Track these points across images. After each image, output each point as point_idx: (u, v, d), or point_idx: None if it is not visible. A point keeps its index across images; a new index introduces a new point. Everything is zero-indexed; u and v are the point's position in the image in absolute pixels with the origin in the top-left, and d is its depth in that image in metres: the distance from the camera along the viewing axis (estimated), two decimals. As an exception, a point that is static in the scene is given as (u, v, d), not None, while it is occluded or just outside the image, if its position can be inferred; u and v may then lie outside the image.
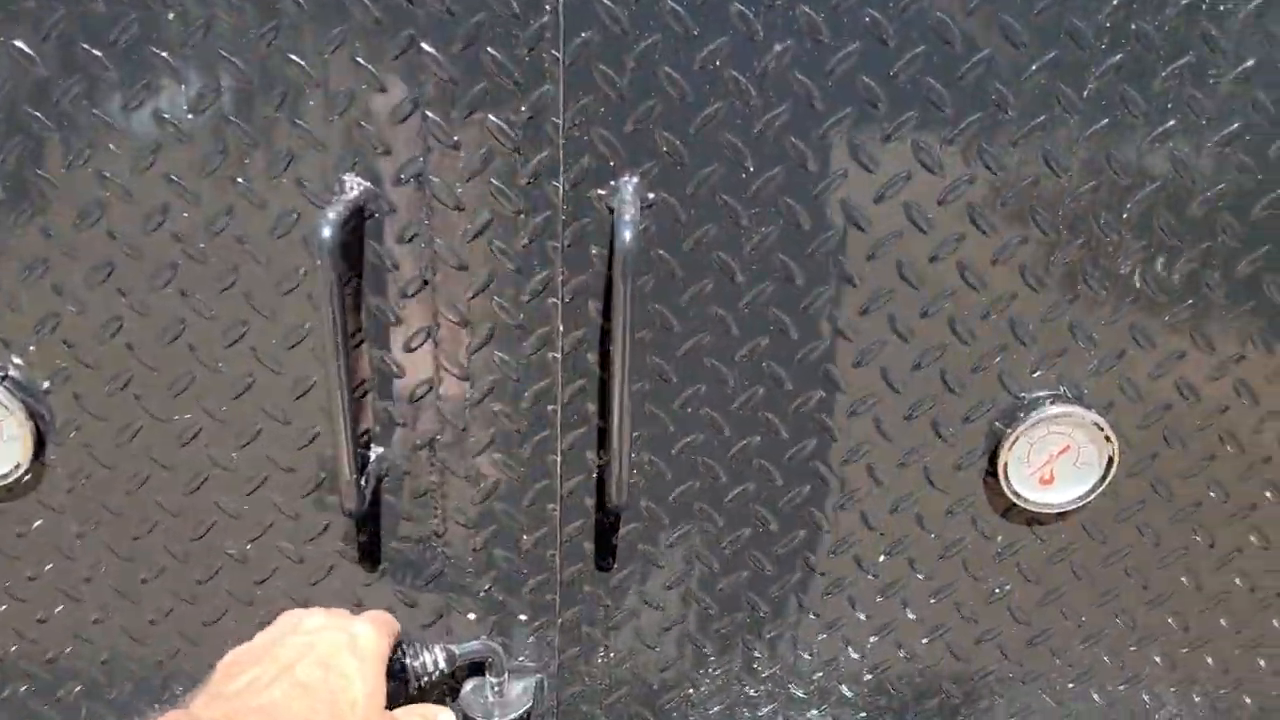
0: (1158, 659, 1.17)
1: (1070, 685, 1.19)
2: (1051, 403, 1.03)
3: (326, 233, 0.86)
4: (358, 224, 0.94)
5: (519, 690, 1.14)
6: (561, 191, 0.94)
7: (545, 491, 1.06)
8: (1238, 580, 1.13)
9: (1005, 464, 1.04)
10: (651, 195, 0.94)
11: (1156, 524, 1.10)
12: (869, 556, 1.11)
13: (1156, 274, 0.98)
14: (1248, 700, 1.20)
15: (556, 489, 1.06)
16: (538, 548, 1.09)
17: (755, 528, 1.09)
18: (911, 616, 1.14)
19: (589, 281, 0.98)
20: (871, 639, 1.16)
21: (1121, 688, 1.19)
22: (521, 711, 1.11)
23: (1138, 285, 0.99)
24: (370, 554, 1.10)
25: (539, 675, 1.15)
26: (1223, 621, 1.15)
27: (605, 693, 1.18)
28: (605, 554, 1.10)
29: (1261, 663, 1.18)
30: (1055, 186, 0.95)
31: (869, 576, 1.12)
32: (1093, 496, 1.06)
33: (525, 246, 0.96)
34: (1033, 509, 1.07)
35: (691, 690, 1.18)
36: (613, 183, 0.94)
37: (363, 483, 0.99)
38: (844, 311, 0.99)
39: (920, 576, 1.12)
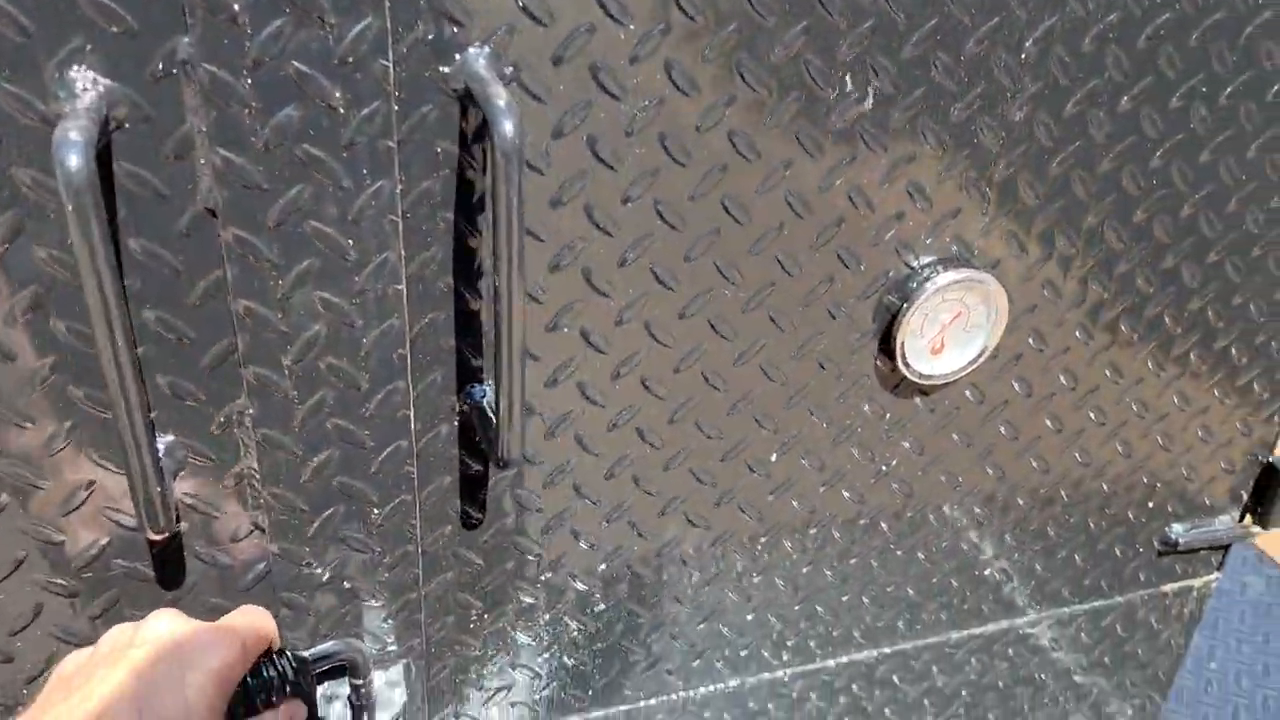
0: (1021, 502, 1.18)
1: (944, 544, 1.17)
2: (945, 269, 0.95)
3: (75, 160, 0.58)
4: (104, 141, 0.65)
5: (383, 684, 0.95)
6: (393, 73, 0.70)
7: (398, 454, 0.85)
8: (1091, 415, 1.14)
9: (901, 341, 0.96)
10: (510, 69, 0.73)
11: (1030, 375, 1.08)
12: (761, 456, 1.01)
13: (1046, 118, 0.91)
14: (1091, 524, 1.24)
15: (411, 448, 0.85)
16: (393, 518, 0.88)
17: (641, 450, 0.95)
18: (797, 506, 1.06)
19: (434, 188, 0.75)
20: (761, 540, 1.07)
21: (988, 541, 1.19)
22: (398, 710, 0.93)
23: (1031, 131, 0.91)
24: (171, 566, 0.85)
25: (405, 660, 0.97)
26: (1076, 455, 1.17)
27: (482, 660, 1.02)
28: (472, 511, 0.92)
29: (1104, 486, 1.22)
30: (957, 29, 0.83)
31: (761, 478, 1.02)
32: (981, 360, 1.01)
33: (347, 150, 0.71)
34: (923, 382, 1.00)
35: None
36: (458, 56, 0.71)
37: (163, 490, 0.73)
38: (738, 190, 0.84)
39: (809, 466, 1.04)
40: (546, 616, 1.02)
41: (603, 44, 0.74)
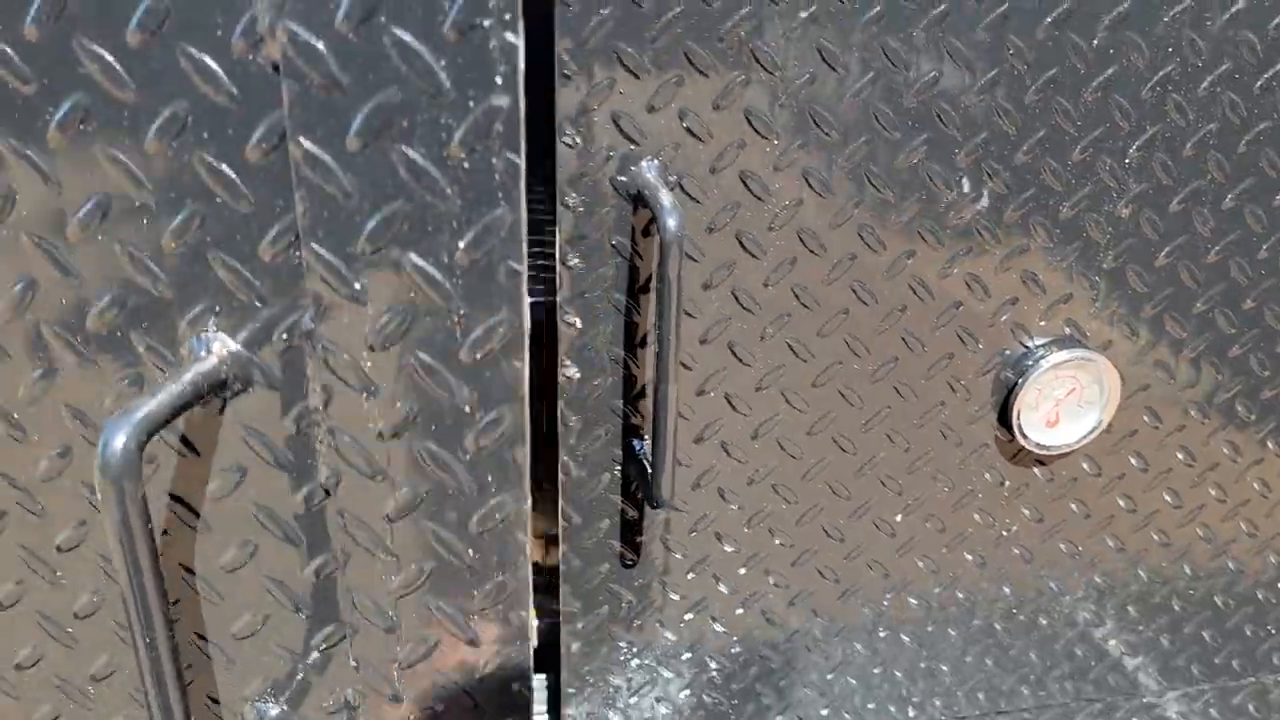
0: (1143, 574, 1.23)
1: (1066, 611, 1.23)
2: (1057, 348, 1.04)
3: (119, 442, 0.56)
4: (219, 404, 0.74)
5: None
6: (527, 377, 0.77)
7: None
8: (1211, 491, 1.19)
9: (1018, 413, 1.06)
10: (674, 177, 0.88)
11: (1146, 450, 1.14)
12: (886, 516, 1.11)
13: (1152, 214, 1.00)
14: (1218, 601, 1.28)
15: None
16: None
17: (776, 504, 1.06)
18: (921, 565, 1.16)
19: (607, 274, 0.91)
20: (887, 596, 1.16)
21: (1110, 611, 1.24)
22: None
23: (1137, 226, 1.01)
24: None
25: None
26: (1198, 531, 1.22)
27: (626, 693, 1.14)
28: (627, 552, 1.05)
29: (1229, 563, 1.26)
30: (1064, 138, 0.95)
31: (887, 536, 1.12)
32: (1095, 433, 1.09)
33: (471, 454, 0.76)
34: (1040, 452, 1.09)
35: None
36: (633, 168, 0.87)
37: None
38: (866, 276, 0.97)
39: (931, 528, 1.13)
40: (688, 655, 1.14)
41: (752, 156, 0.89)
